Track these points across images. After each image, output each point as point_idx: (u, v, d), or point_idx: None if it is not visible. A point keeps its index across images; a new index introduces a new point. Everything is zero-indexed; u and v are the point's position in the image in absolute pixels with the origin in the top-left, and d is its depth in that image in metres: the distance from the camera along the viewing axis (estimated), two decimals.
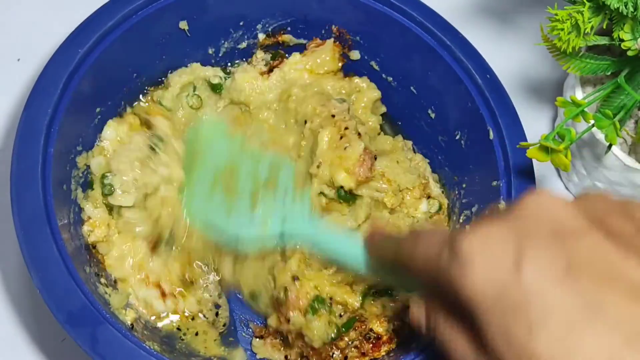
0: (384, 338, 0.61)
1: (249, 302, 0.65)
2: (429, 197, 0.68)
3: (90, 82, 0.61)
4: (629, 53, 0.58)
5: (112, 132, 0.65)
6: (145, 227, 0.63)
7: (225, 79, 0.70)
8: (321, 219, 0.62)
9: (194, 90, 0.69)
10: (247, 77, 0.69)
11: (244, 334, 0.65)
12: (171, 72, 0.69)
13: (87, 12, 0.62)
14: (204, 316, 0.64)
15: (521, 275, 0.34)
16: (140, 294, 0.62)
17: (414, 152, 0.72)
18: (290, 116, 0.67)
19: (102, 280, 0.60)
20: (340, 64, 0.70)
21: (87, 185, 0.63)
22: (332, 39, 0.70)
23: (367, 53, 0.71)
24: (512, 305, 0.34)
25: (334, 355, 0.60)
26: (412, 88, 0.70)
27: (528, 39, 0.82)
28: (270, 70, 0.70)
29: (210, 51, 0.71)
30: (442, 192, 0.69)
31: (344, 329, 0.60)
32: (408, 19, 0.66)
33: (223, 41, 0.70)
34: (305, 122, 0.65)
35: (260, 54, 0.71)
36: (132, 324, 0.59)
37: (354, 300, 0.60)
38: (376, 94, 0.70)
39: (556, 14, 0.57)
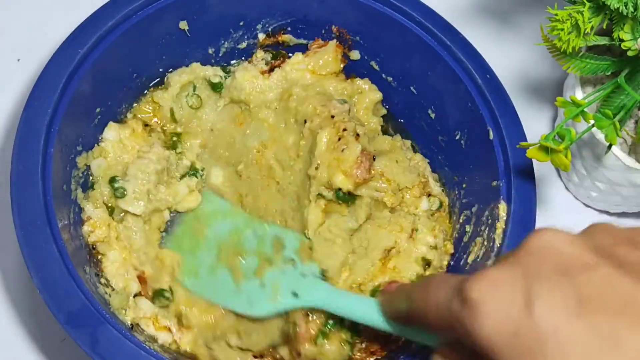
0: (392, 337, 0.61)
1: None
2: (429, 195, 0.68)
3: (90, 82, 0.61)
4: (629, 53, 0.58)
5: (113, 133, 0.65)
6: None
7: (225, 78, 0.70)
8: (333, 285, 0.60)
9: (194, 90, 0.69)
10: (247, 75, 0.69)
11: None
12: (171, 72, 0.69)
13: (87, 12, 0.62)
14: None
15: (533, 315, 0.34)
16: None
17: (414, 151, 0.72)
18: (290, 115, 0.67)
19: (102, 280, 0.60)
20: (342, 65, 0.70)
21: (87, 185, 0.63)
22: (335, 40, 0.70)
23: (367, 53, 0.71)
24: (527, 346, 0.34)
25: None
26: (412, 88, 0.70)
27: (528, 39, 0.82)
28: (271, 70, 0.70)
29: (210, 51, 0.71)
30: (442, 190, 0.69)
31: (355, 337, 0.60)
32: (408, 19, 0.66)
33: (223, 41, 0.70)
34: (305, 121, 0.65)
35: (260, 54, 0.72)
36: (132, 324, 0.59)
37: None
38: (378, 95, 0.70)
39: (556, 14, 0.57)
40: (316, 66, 0.69)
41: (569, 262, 0.36)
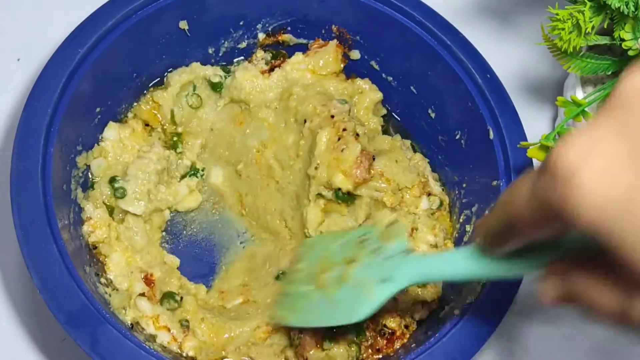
0: (398, 333, 0.61)
1: None
2: (429, 194, 0.68)
3: (90, 82, 0.61)
4: (630, 53, 0.58)
5: (113, 132, 0.65)
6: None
7: (225, 78, 0.70)
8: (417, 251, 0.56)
9: (194, 90, 0.69)
10: (247, 75, 0.69)
11: None
12: (171, 72, 0.69)
13: (87, 12, 0.62)
14: None
15: None
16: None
17: (414, 151, 0.72)
18: (290, 115, 0.67)
19: (102, 280, 0.60)
20: (342, 65, 0.70)
21: (87, 185, 0.63)
22: (335, 40, 0.70)
23: (367, 53, 0.71)
24: None
25: None
26: (412, 88, 0.70)
27: (528, 38, 0.82)
28: (271, 69, 0.70)
29: (210, 51, 0.71)
30: (442, 190, 0.69)
31: (361, 336, 0.59)
32: (408, 18, 0.66)
33: (223, 41, 0.70)
34: (305, 121, 0.65)
35: (260, 54, 0.71)
36: (132, 324, 0.59)
37: None
38: (378, 95, 0.70)
39: (557, 14, 0.57)
40: (316, 66, 0.69)
41: None
